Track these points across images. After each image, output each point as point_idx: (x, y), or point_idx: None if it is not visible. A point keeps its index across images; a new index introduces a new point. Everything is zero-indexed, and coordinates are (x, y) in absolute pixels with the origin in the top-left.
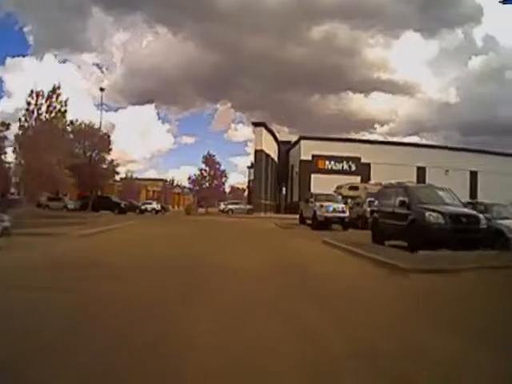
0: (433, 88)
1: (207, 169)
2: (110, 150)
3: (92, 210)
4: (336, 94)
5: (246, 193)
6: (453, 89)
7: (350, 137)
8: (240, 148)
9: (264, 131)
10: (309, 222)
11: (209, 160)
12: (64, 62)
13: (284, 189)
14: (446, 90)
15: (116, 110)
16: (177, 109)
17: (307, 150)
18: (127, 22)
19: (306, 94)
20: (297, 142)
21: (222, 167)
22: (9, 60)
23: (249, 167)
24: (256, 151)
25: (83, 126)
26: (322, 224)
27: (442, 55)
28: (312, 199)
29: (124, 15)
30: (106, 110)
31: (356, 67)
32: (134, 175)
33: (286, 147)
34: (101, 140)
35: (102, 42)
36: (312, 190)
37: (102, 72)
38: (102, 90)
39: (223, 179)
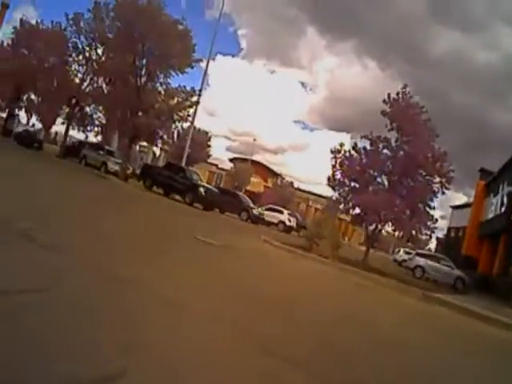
0: None
1: (395, 126)
2: None
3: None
4: None
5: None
6: None
7: None
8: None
9: None
10: None
11: (397, 104)
12: (272, 72)
13: None
14: None
15: (312, 130)
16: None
17: None
18: (338, 49)
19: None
20: None
21: None
22: (219, 57)
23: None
24: None
25: None
26: None
27: None
28: None
29: (336, 41)
30: (302, 128)
31: None
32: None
33: None
34: None
35: (311, 63)
36: None
37: (306, 91)
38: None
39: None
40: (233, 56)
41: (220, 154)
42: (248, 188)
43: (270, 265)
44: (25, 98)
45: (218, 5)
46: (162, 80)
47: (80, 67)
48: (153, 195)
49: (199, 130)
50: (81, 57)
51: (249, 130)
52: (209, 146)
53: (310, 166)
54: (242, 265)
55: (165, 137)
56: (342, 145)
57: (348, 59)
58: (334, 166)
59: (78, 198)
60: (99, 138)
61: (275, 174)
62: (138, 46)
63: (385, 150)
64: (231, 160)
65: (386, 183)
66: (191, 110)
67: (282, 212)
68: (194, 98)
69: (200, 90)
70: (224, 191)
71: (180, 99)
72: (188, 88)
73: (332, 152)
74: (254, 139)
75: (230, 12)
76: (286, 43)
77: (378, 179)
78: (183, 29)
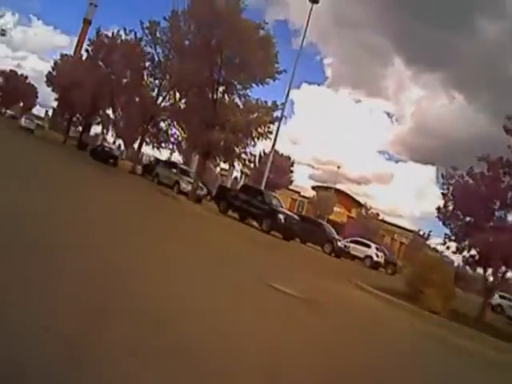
0: None
1: None
2: None
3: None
4: None
5: None
6: None
7: None
8: None
9: None
10: None
11: None
12: (357, 101)
13: None
14: None
15: (396, 162)
16: None
17: None
18: (424, 80)
19: None
20: None
21: None
22: (304, 85)
23: None
24: None
25: None
26: None
27: None
28: None
29: (423, 73)
30: (387, 159)
31: None
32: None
33: None
34: None
35: (398, 93)
36: None
37: (392, 122)
38: None
39: None
40: (318, 85)
41: (302, 181)
42: (330, 217)
43: (375, 336)
44: (101, 112)
45: (305, 34)
46: (241, 92)
47: (156, 80)
48: (225, 220)
49: (282, 154)
50: (157, 70)
51: (332, 159)
52: (291, 172)
53: (392, 197)
54: (336, 339)
55: (243, 155)
56: (455, 168)
57: (434, 90)
58: (445, 195)
59: (124, 220)
60: (178, 156)
61: (359, 204)
62: (215, 54)
63: (507, 178)
64: (314, 188)
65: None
66: (272, 126)
67: (369, 246)
68: (276, 113)
69: (282, 108)
70: (306, 219)
71: (260, 114)
72: (269, 102)
73: (443, 177)
74: (339, 167)
75: (316, 41)
76: (372, 73)
77: (498, 213)
78: (265, 34)
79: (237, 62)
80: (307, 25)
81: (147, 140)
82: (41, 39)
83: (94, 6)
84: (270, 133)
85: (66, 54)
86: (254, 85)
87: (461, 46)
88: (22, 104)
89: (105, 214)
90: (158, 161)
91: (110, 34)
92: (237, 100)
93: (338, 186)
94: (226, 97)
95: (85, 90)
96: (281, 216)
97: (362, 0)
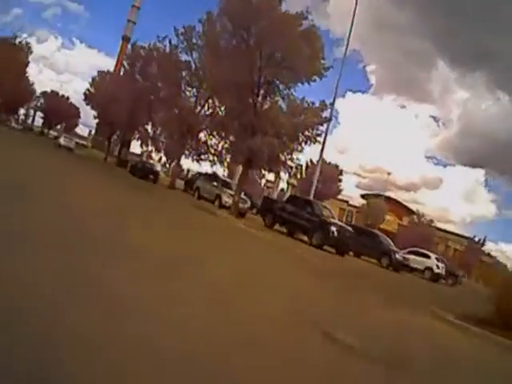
0: None
1: None
2: None
3: None
4: None
5: None
6: None
7: None
8: None
9: None
10: None
11: None
12: (402, 107)
13: None
14: None
15: (445, 166)
16: (507, 181)
17: None
18: (469, 82)
19: None
20: None
21: None
22: (349, 94)
23: None
24: None
25: None
26: None
27: None
28: None
29: (467, 74)
30: (435, 164)
31: None
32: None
33: None
34: None
35: (443, 97)
36: None
37: (438, 126)
38: None
39: None
40: (362, 93)
41: (350, 191)
42: (381, 226)
43: None
44: (140, 128)
45: (347, 43)
46: (284, 92)
47: (193, 89)
48: (271, 235)
49: (329, 163)
50: (194, 78)
51: (379, 167)
52: (339, 181)
53: (442, 203)
54: None
55: (289, 163)
56: None
57: (480, 93)
58: None
59: (153, 246)
60: (221, 168)
61: (411, 212)
62: (254, 52)
63: None
64: (363, 196)
65: None
66: (320, 128)
67: (428, 256)
68: (325, 114)
69: (331, 107)
70: (360, 230)
71: (307, 115)
72: (316, 102)
73: None
74: (389, 173)
75: (359, 49)
76: (416, 77)
77: None
78: (308, 26)
79: (278, 59)
80: (352, 25)
81: (186, 153)
82: (84, 62)
83: (131, 23)
84: (319, 135)
85: (104, 71)
86: (298, 84)
87: (504, 45)
88: (64, 124)
89: (137, 232)
90: (199, 174)
91: (145, 46)
92: (280, 102)
93: (387, 194)
94: (268, 98)
95: (122, 106)
96: (333, 228)
97: (400, 4)
